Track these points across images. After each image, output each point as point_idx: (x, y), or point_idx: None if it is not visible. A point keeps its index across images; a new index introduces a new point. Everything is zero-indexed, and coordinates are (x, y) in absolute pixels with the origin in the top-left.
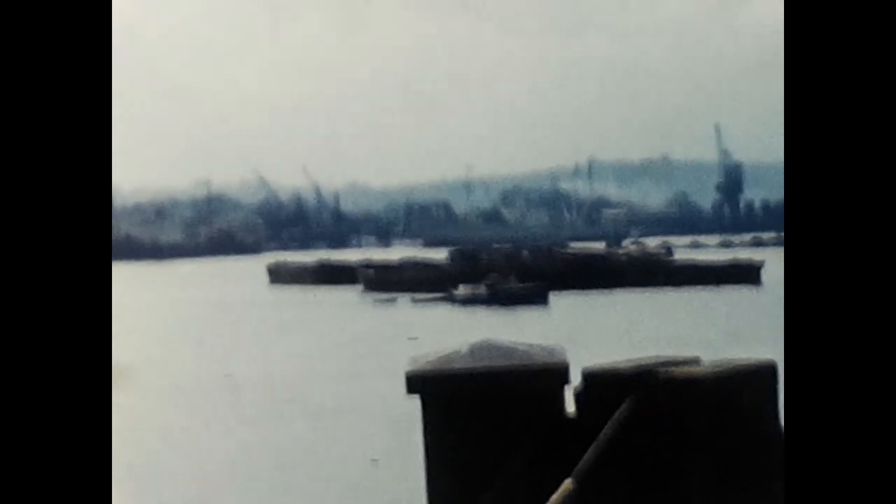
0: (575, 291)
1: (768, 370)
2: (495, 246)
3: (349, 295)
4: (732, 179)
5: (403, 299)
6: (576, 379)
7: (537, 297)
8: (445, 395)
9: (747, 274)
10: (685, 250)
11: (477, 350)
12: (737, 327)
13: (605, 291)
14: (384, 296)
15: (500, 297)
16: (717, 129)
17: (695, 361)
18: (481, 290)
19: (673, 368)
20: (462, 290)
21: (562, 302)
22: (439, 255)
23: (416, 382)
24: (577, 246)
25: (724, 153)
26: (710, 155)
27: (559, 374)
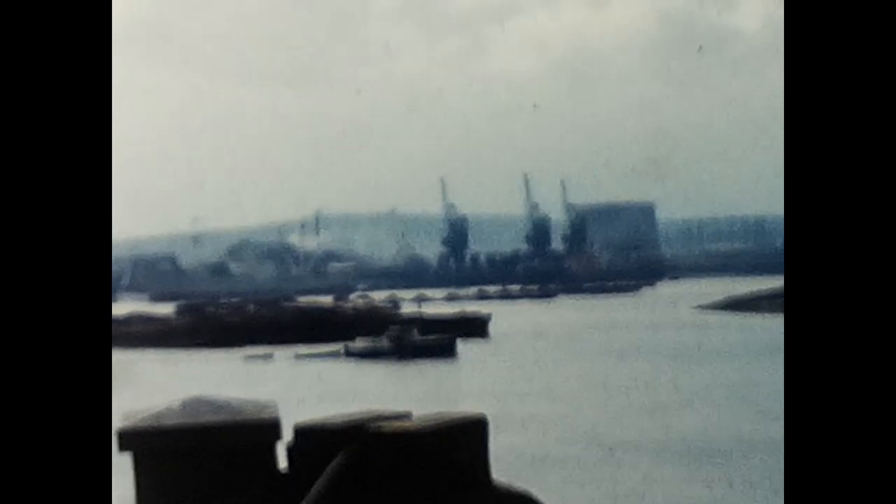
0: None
1: (477, 423)
2: (222, 300)
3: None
4: (458, 233)
5: (284, 354)
6: (288, 434)
7: (445, 350)
8: (158, 452)
9: (475, 327)
10: (412, 304)
11: (189, 405)
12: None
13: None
14: (256, 351)
15: (406, 350)
16: (443, 183)
17: (406, 416)
18: (383, 342)
19: (383, 423)
20: (360, 343)
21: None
22: (166, 309)
23: (128, 439)
24: (304, 299)
25: (450, 207)
26: (436, 209)
27: (271, 429)
